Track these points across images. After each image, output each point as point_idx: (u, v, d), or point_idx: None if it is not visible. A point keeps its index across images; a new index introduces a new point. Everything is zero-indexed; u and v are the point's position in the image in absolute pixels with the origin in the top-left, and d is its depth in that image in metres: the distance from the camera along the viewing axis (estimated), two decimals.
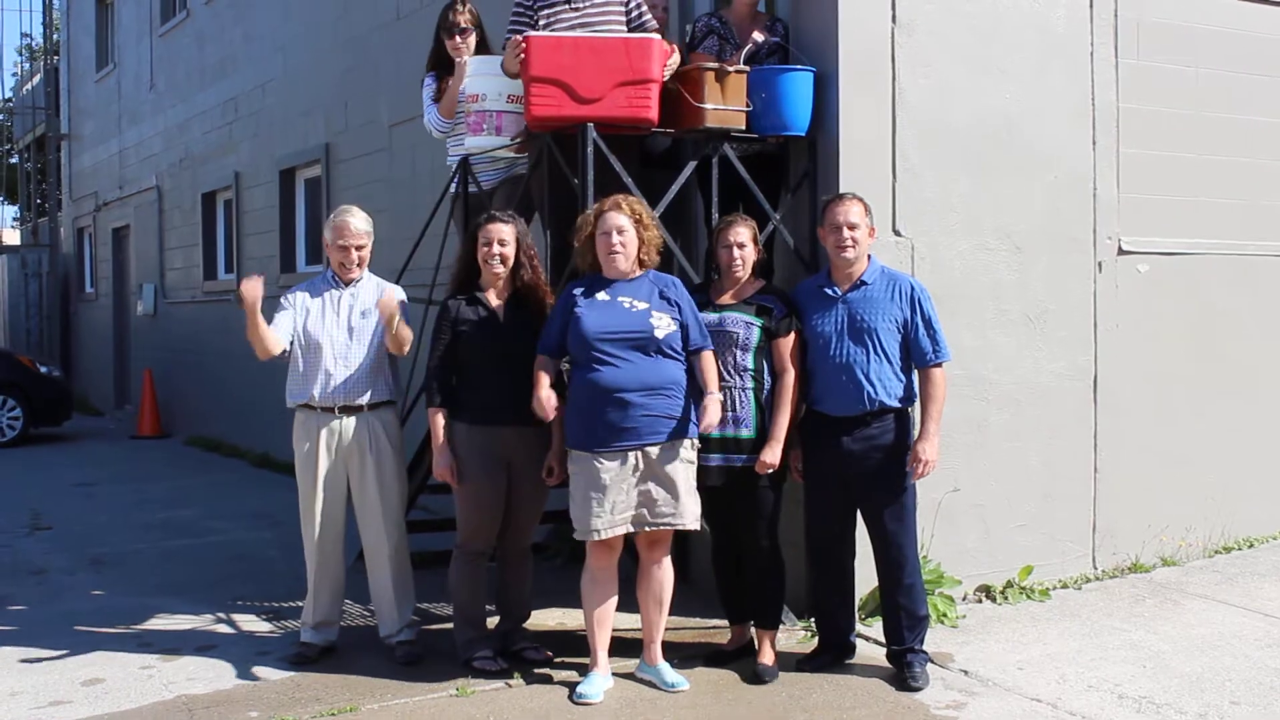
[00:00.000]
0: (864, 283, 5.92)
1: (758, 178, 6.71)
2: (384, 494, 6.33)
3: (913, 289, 5.94)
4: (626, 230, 5.73)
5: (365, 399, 6.29)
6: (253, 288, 5.97)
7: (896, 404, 5.89)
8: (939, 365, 5.90)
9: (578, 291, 5.78)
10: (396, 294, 6.30)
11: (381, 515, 6.33)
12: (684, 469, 5.68)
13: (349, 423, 6.29)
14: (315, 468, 6.30)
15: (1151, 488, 7.90)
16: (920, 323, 5.89)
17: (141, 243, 19.04)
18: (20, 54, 38.33)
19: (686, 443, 5.70)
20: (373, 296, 6.33)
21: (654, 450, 5.62)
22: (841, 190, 6.38)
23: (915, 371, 5.94)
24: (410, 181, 10.74)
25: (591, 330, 5.63)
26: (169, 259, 17.82)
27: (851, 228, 5.86)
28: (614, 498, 5.58)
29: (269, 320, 6.20)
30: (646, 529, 5.67)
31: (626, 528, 5.64)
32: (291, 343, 6.31)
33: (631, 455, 5.60)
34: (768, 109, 6.63)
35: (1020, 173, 7.35)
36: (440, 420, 6.06)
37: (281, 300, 6.34)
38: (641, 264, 5.82)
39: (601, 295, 5.74)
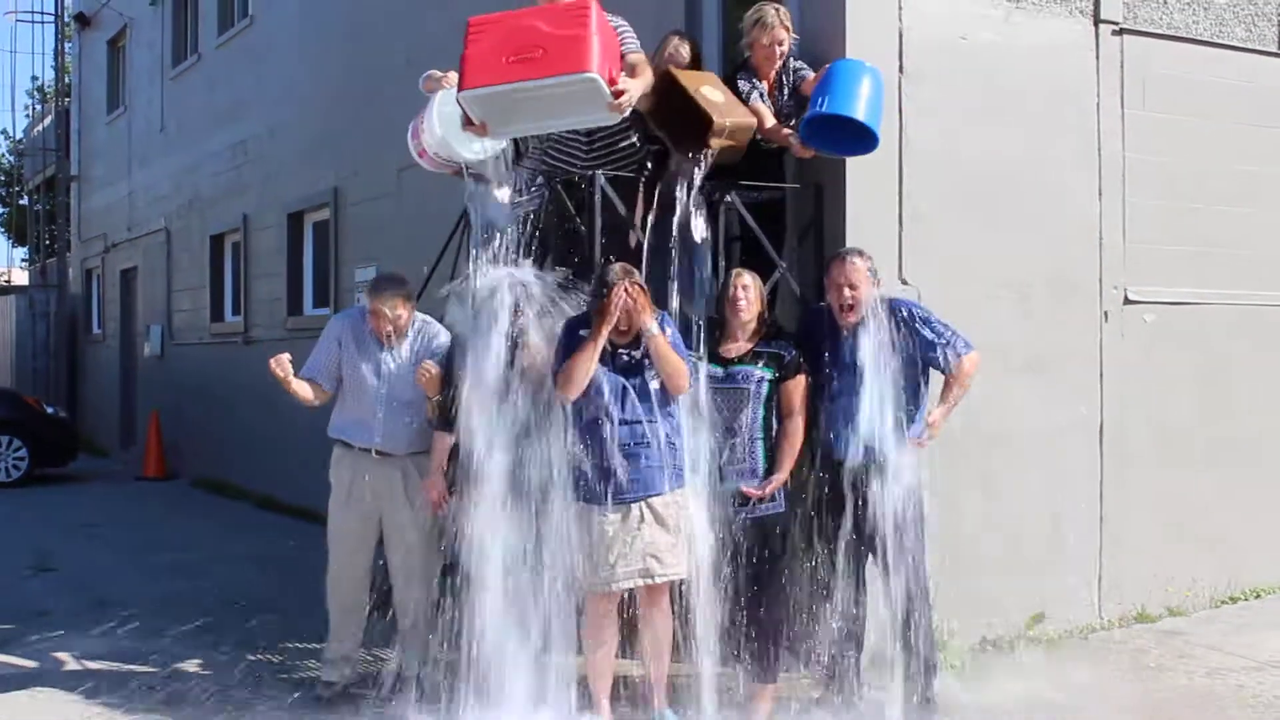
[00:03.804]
0: (864, 320, 5.95)
1: (764, 226, 6.73)
2: (421, 537, 6.36)
3: (904, 311, 5.99)
4: (633, 311, 5.68)
5: (402, 448, 6.38)
6: (284, 365, 6.13)
7: (903, 449, 5.90)
8: (961, 358, 5.92)
9: (583, 334, 5.75)
10: (439, 339, 6.39)
11: (420, 558, 6.36)
12: (684, 516, 5.67)
13: (385, 465, 6.37)
14: (347, 504, 6.39)
15: (1158, 537, 7.89)
16: (925, 338, 5.92)
17: (149, 284, 19.09)
18: (31, 96, 38.59)
19: (684, 491, 5.70)
20: (415, 351, 6.41)
21: (657, 501, 5.62)
22: (848, 239, 6.44)
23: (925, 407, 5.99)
24: (418, 226, 10.78)
25: (593, 385, 5.63)
26: (176, 301, 17.87)
27: (854, 288, 5.92)
28: (620, 550, 5.59)
29: (309, 350, 6.42)
30: (654, 580, 5.66)
31: (633, 581, 5.64)
32: (339, 379, 6.48)
33: (635, 508, 5.61)
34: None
35: (1027, 222, 7.38)
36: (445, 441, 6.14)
37: (325, 332, 6.51)
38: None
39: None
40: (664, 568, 5.64)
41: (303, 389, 6.34)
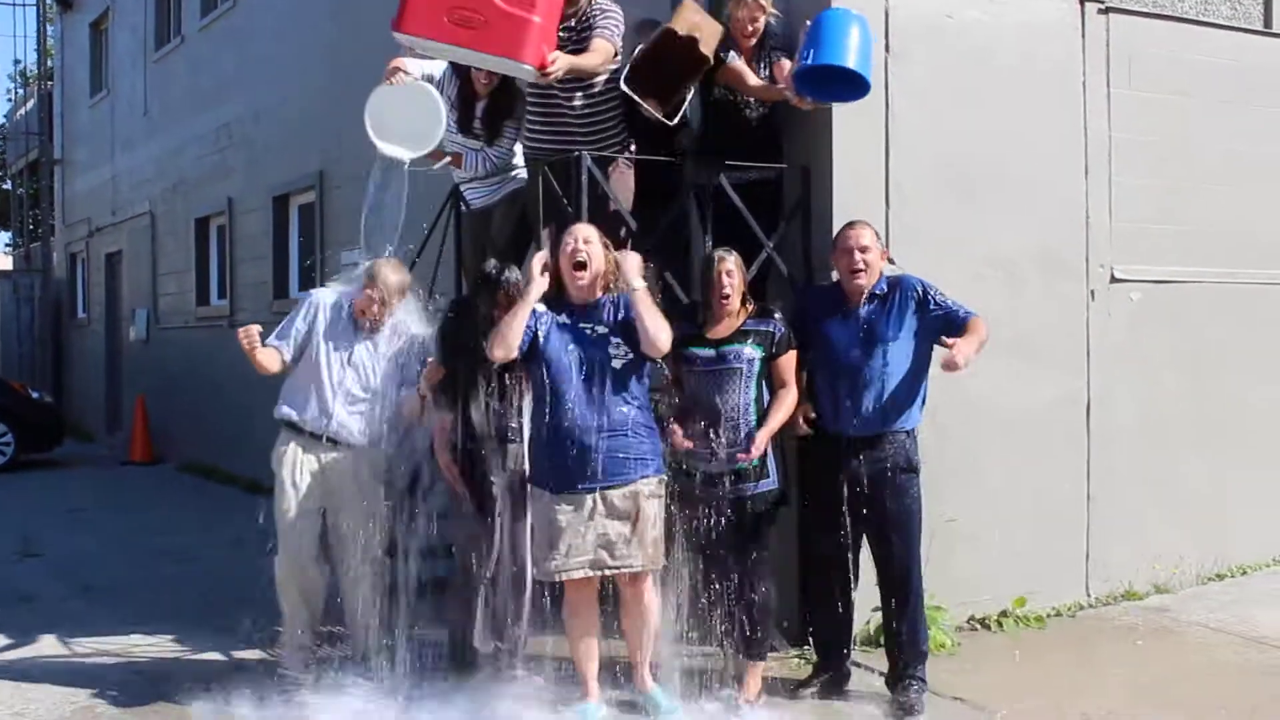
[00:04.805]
0: (875, 295, 5.94)
1: (752, 207, 6.72)
2: (368, 527, 6.30)
3: (918, 286, 5.96)
4: (593, 241, 5.63)
5: (355, 438, 6.31)
6: (252, 336, 6.09)
7: (908, 425, 5.92)
8: (975, 316, 5.91)
9: (539, 308, 5.69)
10: (413, 334, 6.35)
11: (365, 548, 6.31)
12: (648, 506, 5.56)
13: (336, 453, 6.30)
14: (296, 490, 6.30)
15: (1144, 515, 7.91)
16: (936, 311, 5.91)
17: (134, 268, 19.02)
18: (14, 79, 38.41)
19: (653, 481, 5.60)
20: (390, 344, 6.36)
21: (613, 493, 5.53)
22: (835, 219, 6.45)
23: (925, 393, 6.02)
24: (406, 208, 10.73)
25: (553, 359, 5.58)
26: (162, 284, 17.81)
27: (863, 250, 5.89)
28: (570, 540, 5.51)
29: (285, 313, 6.40)
30: (605, 572, 5.60)
31: (584, 571, 5.56)
32: (299, 356, 6.35)
33: (589, 498, 5.52)
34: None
35: (1013, 201, 7.37)
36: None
37: (304, 303, 6.43)
38: (605, 289, 5.71)
39: (563, 318, 5.67)
40: (616, 560, 5.54)
41: (267, 357, 6.24)
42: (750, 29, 6.77)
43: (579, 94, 6.59)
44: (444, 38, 6.00)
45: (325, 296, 6.53)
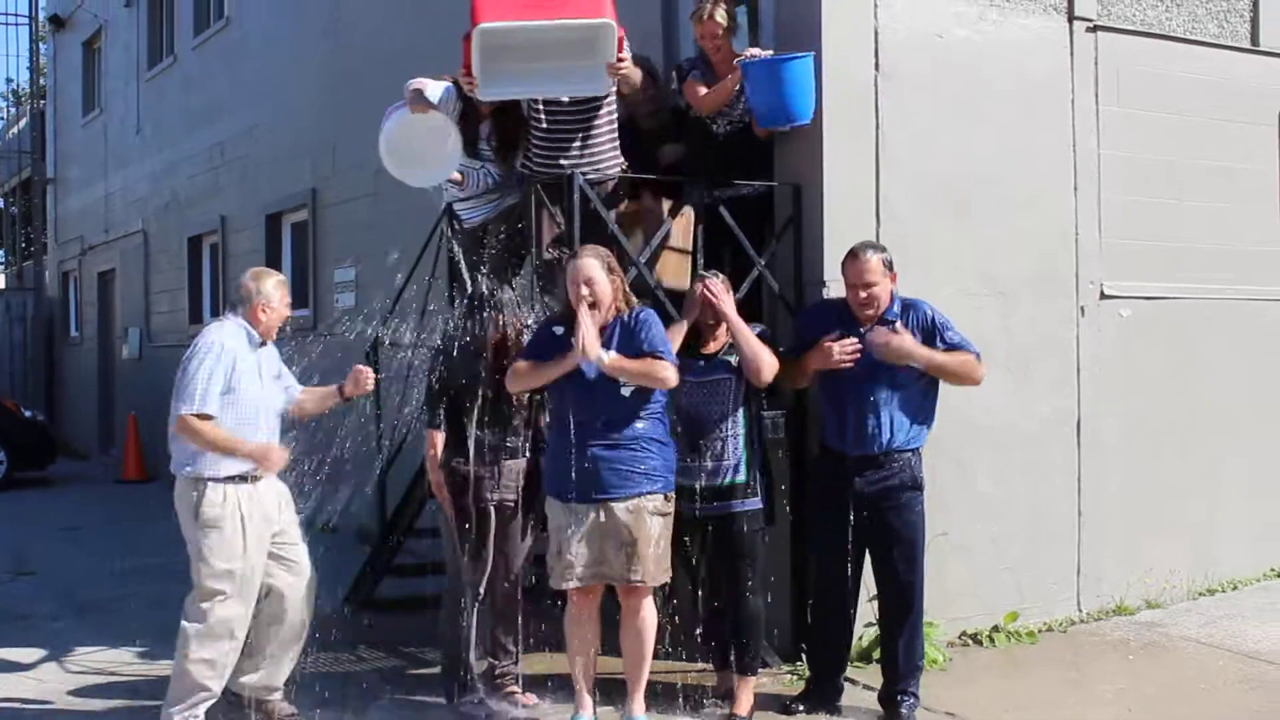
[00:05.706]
0: (885, 320, 5.94)
1: (745, 221, 6.76)
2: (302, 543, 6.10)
3: (931, 317, 5.98)
4: (598, 280, 5.60)
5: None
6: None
7: (914, 444, 5.94)
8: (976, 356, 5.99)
9: (559, 331, 5.67)
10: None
11: (307, 574, 6.07)
12: (652, 522, 5.56)
13: (268, 485, 5.93)
14: (248, 545, 5.79)
15: (1135, 530, 7.93)
16: (941, 346, 5.92)
17: (127, 286, 19.01)
18: (6, 98, 38.44)
19: (658, 497, 5.60)
20: (276, 357, 6.14)
21: (618, 505, 5.53)
22: (826, 237, 6.49)
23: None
24: (398, 227, 10.77)
25: (565, 378, 5.60)
26: (154, 303, 17.80)
27: (868, 286, 5.88)
28: (577, 549, 5.55)
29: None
30: (605, 580, 5.64)
31: (587, 580, 5.60)
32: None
33: (593, 510, 5.54)
34: (771, 101, 6.63)
35: (1003, 218, 7.41)
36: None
37: (215, 355, 5.78)
38: (617, 311, 5.68)
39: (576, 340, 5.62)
40: (617, 573, 5.57)
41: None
42: (713, 43, 6.93)
43: (579, 138, 6.67)
44: (525, 17, 6.04)
45: (227, 336, 5.89)
